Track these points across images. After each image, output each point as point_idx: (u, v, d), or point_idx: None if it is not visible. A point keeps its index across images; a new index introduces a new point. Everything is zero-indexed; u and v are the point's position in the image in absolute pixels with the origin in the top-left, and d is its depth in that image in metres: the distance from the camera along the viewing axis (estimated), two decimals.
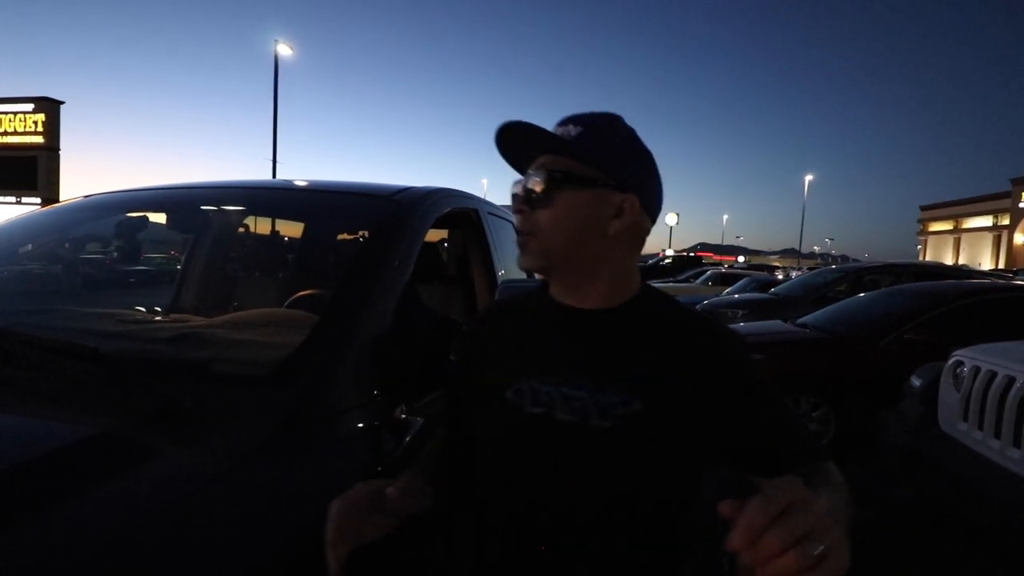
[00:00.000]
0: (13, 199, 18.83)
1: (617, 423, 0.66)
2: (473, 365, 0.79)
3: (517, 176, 0.78)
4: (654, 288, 0.77)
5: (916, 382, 3.09)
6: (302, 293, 1.48)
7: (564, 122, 0.73)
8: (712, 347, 0.70)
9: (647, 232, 0.76)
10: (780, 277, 13.42)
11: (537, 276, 0.77)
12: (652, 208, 0.74)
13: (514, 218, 0.74)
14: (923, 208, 49.31)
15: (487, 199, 2.30)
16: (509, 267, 2.27)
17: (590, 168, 0.70)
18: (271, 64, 17.52)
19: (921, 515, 2.85)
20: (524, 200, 0.73)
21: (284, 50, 18.08)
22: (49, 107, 18.95)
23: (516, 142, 0.74)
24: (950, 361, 2.80)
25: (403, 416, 1.01)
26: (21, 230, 1.60)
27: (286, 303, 1.46)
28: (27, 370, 0.87)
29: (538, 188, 0.71)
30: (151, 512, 0.63)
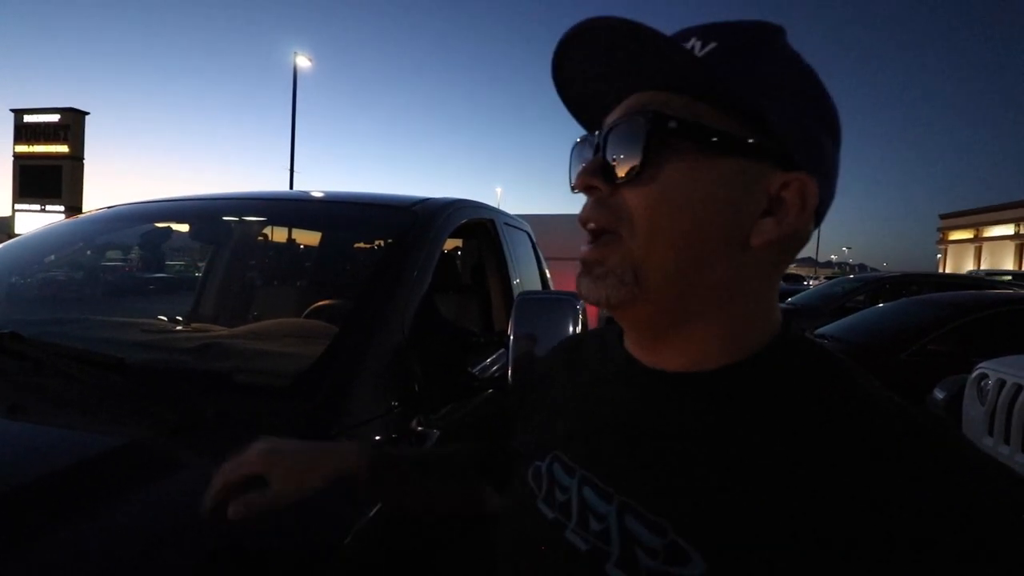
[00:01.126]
0: (38, 207, 19.33)
1: (625, 563, 0.37)
2: (517, 420, 0.58)
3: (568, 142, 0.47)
4: (808, 342, 0.42)
5: (939, 395, 3.03)
6: (321, 303, 1.50)
7: (682, 36, 0.42)
8: (909, 487, 0.32)
9: (805, 243, 0.43)
10: (808, 284, 13.02)
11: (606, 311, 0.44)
12: (828, 200, 0.43)
13: (583, 206, 0.43)
14: (943, 216, 48.48)
15: (501, 208, 2.31)
16: (524, 277, 2.28)
17: (734, 119, 0.39)
18: (290, 75, 17.85)
19: None
20: (599, 169, 0.42)
21: (303, 62, 18.42)
22: (74, 117, 19.47)
23: (595, 66, 0.42)
24: (974, 374, 2.74)
25: (419, 428, 1.01)
26: (49, 240, 1.64)
27: (305, 313, 1.47)
28: (56, 379, 0.88)
29: (631, 148, 0.40)
30: (176, 522, 0.64)
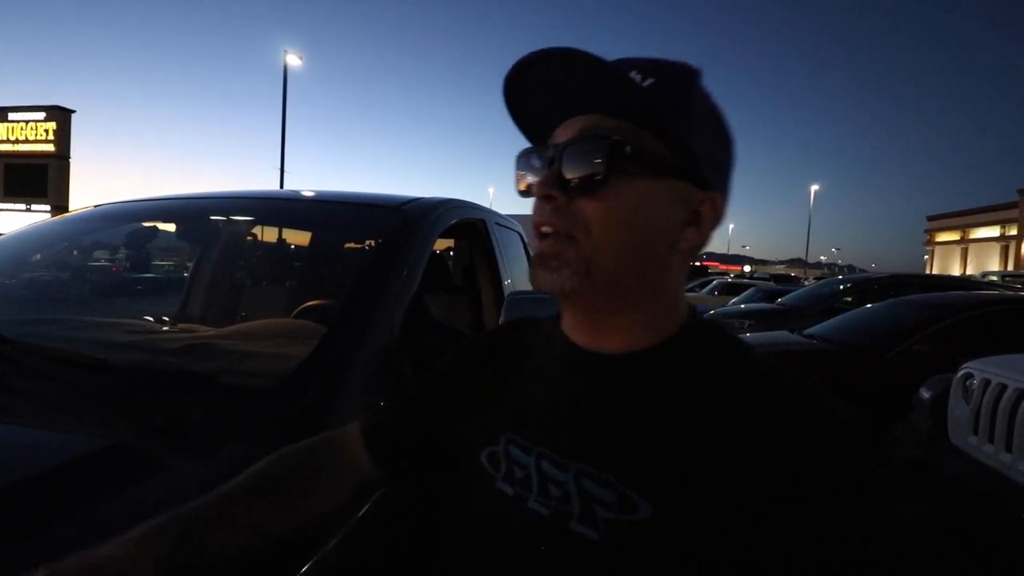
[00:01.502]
0: (23, 206, 19.06)
1: (608, 535, 0.43)
2: (454, 399, 0.59)
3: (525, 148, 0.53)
4: (711, 323, 0.52)
5: (925, 394, 3.06)
6: (309, 303, 1.49)
7: (626, 66, 0.48)
8: (796, 434, 0.41)
9: (706, 247, 0.53)
10: (805, 284, 12.97)
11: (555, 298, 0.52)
12: (722, 218, 0.52)
13: (533, 209, 0.50)
14: (930, 218, 49.10)
15: (493, 209, 2.31)
16: (516, 277, 2.28)
17: (669, 146, 0.47)
18: (280, 73, 17.73)
19: (931, 530, 2.82)
20: (556, 182, 0.47)
21: (293, 60, 18.31)
22: (60, 116, 19.22)
23: (547, 87, 0.47)
24: (959, 373, 2.77)
25: None
26: (33, 239, 1.62)
27: (293, 313, 1.46)
28: (37, 380, 0.87)
29: (591, 166, 0.46)
30: None
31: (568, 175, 0.47)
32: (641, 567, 0.42)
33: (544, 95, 0.49)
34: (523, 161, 0.53)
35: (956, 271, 39.61)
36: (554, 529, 0.46)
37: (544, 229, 0.49)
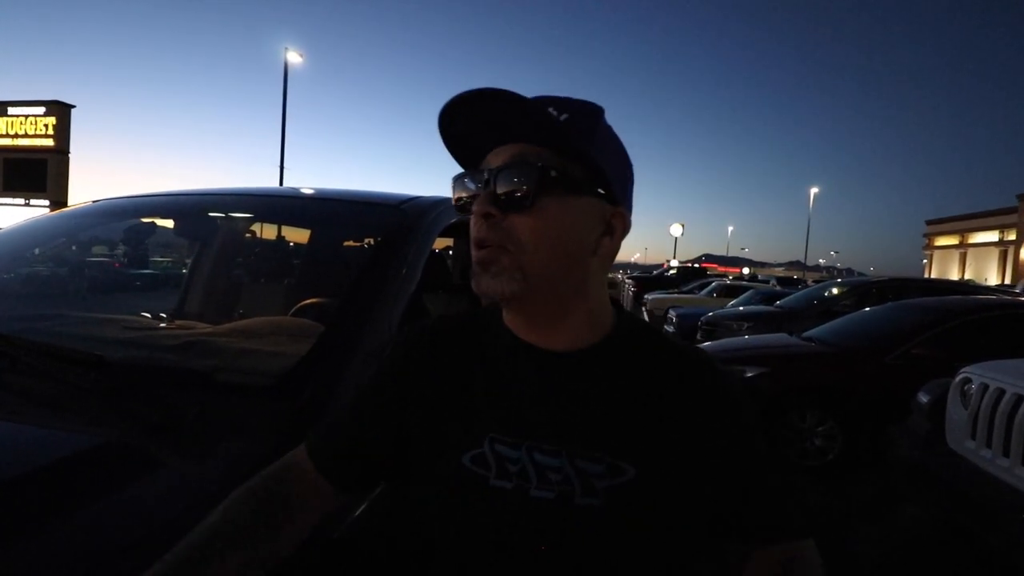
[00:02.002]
0: (22, 201, 19.02)
1: (608, 499, 0.53)
2: (404, 406, 0.61)
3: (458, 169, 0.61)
4: (633, 319, 0.64)
5: (923, 398, 3.06)
6: (308, 301, 1.48)
7: (545, 102, 0.57)
8: (710, 394, 0.59)
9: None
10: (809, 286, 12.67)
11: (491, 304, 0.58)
12: (629, 228, 0.62)
13: (471, 225, 0.57)
14: (929, 222, 49.17)
15: None
16: None
17: (584, 169, 0.56)
18: (281, 71, 17.72)
19: (928, 533, 2.82)
20: (492, 201, 0.55)
21: (294, 57, 18.29)
22: (60, 110, 19.18)
23: (479, 120, 0.56)
24: (958, 378, 2.77)
25: None
26: (31, 234, 1.61)
27: (292, 311, 1.46)
28: (32, 377, 0.86)
29: (522, 187, 0.54)
30: (152, 523, 0.63)
31: (502, 195, 0.55)
32: (637, 516, 0.53)
33: (477, 126, 0.57)
34: (459, 182, 0.61)
35: (955, 275, 39.69)
36: (562, 508, 0.53)
37: (483, 243, 0.56)
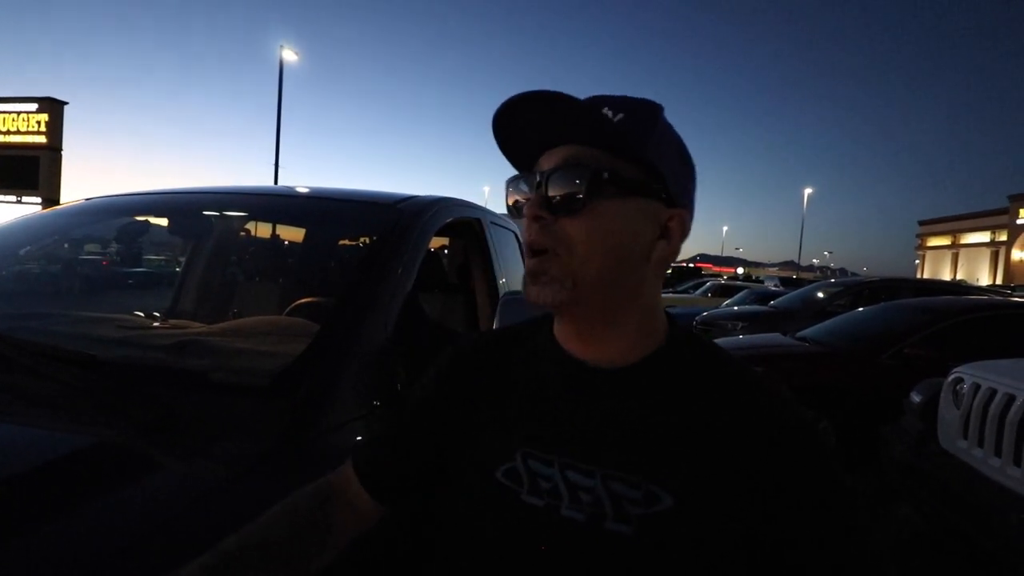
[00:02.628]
0: (14, 198, 18.85)
1: (640, 528, 0.49)
2: (446, 420, 0.60)
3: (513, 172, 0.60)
4: (688, 333, 0.58)
5: (916, 398, 3.08)
6: (303, 300, 1.47)
7: (600, 102, 0.55)
8: (769, 425, 0.51)
9: (675, 259, 0.59)
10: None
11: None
12: (689, 232, 0.58)
13: (521, 228, 0.56)
14: (922, 223, 49.48)
15: (488, 207, 2.30)
16: (511, 276, 2.27)
17: (639, 170, 0.54)
18: (276, 69, 17.62)
19: (921, 533, 2.83)
20: (545, 204, 0.54)
21: (289, 55, 18.19)
22: (52, 107, 19.01)
23: (532, 123, 0.54)
24: (950, 378, 2.79)
25: None
26: (22, 232, 1.60)
27: (286, 310, 1.45)
28: (24, 376, 0.86)
29: (574, 190, 0.52)
30: (146, 525, 0.62)
31: (553, 197, 0.54)
32: (671, 550, 0.49)
33: (529, 129, 0.56)
34: (512, 184, 0.59)
35: (947, 276, 39.97)
36: (591, 532, 0.50)
37: (534, 247, 0.55)
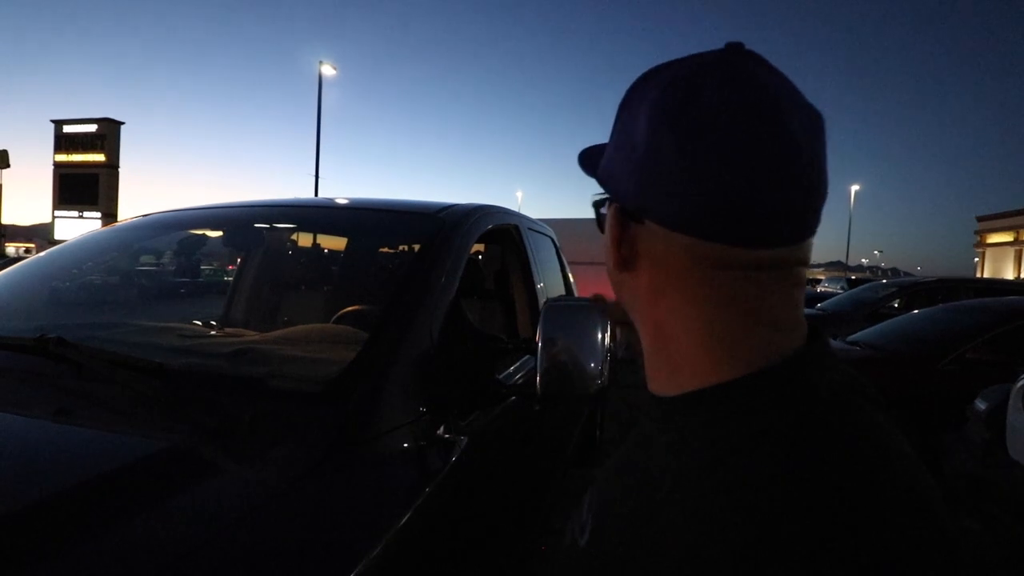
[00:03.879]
0: (76, 213, 20.07)
1: (567, 555, 0.47)
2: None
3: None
4: (798, 376, 0.38)
5: (981, 405, 2.91)
6: (349, 308, 1.51)
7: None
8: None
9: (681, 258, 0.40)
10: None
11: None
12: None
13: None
14: (980, 219, 46.78)
15: (523, 213, 2.31)
16: (548, 282, 2.27)
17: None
18: (315, 84, 18.21)
19: (989, 548, 2.67)
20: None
21: (328, 70, 18.77)
22: (110, 127, 20.20)
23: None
24: (1020, 383, 2.62)
25: (446, 435, 1.01)
26: (91, 247, 1.70)
27: (333, 318, 1.49)
28: (100, 383, 0.91)
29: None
30: (212, 526, 0.65)
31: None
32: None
33: None
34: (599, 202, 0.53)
35: (1010, 275, 37.59)
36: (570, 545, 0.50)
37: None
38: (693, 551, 0.31)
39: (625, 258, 0.43)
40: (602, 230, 0.47)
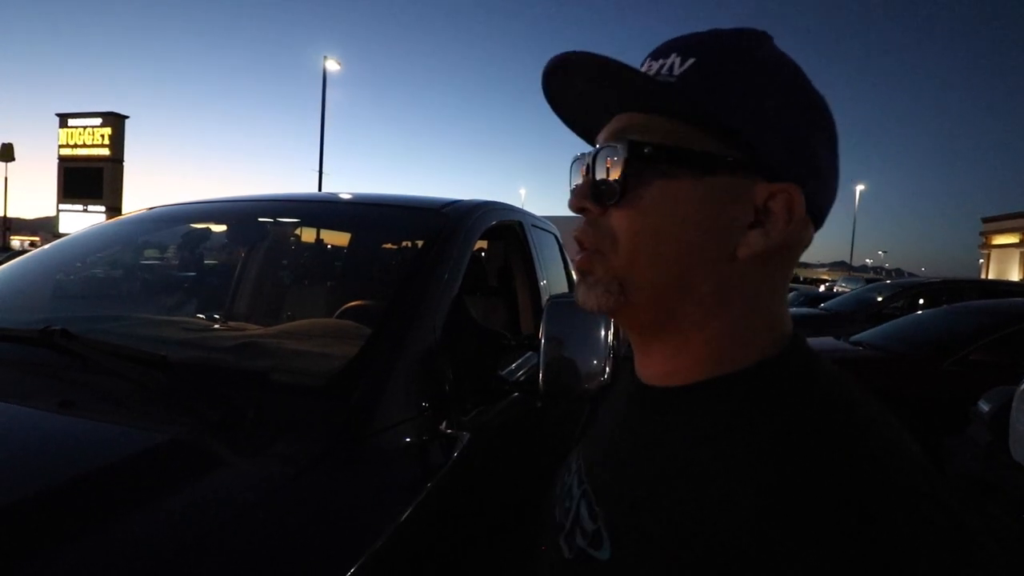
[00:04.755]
0: (80, 207, 20.14)
1: (575, 559, 0.43)
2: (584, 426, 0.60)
3: (582, 149, 0.48)
4: (808, 357, 0.41)
5: (984, 407, 2.90)
6: (352, 303, 1.52)
7: (664, 50, 0.43)
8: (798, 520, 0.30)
9: (805, 248, 0.43)
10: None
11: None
12: (823, 206, 0.43)
13: (574, 222, 0.45)
14: (986, 220, 46.53)
15: (526, 209, 2.31)
16: (552, 279, 2.26)
17: (712, 135, 0.40)
18: (320, 79, 18.22)
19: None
20: (592, 192, 0.43)
21: (332, 66, 18.78)
22: (115, 121, 20.24)
23: (576, 91, 0.44)
24: (1023, 386, 2.61)
25: (449, 431, 1.01)
26: (95, 240, 1.70)
27: (336, 313, 1.49)
28: (103, 376, 0.91)
29: (613, 173, 0.41)
30: (216, 518, 0.65)
31: (598, 183, 0.43)
32: None
33: (578, 101, 0.46)
34: (575, 167, 0.47)
35: (1015, 276, 37.41)
36: (555, 549, 0.47)
37: (580, 245, 0.45)
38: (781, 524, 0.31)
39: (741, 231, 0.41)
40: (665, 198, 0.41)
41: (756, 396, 0.38)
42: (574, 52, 0.41)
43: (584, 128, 0.49)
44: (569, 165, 0.48)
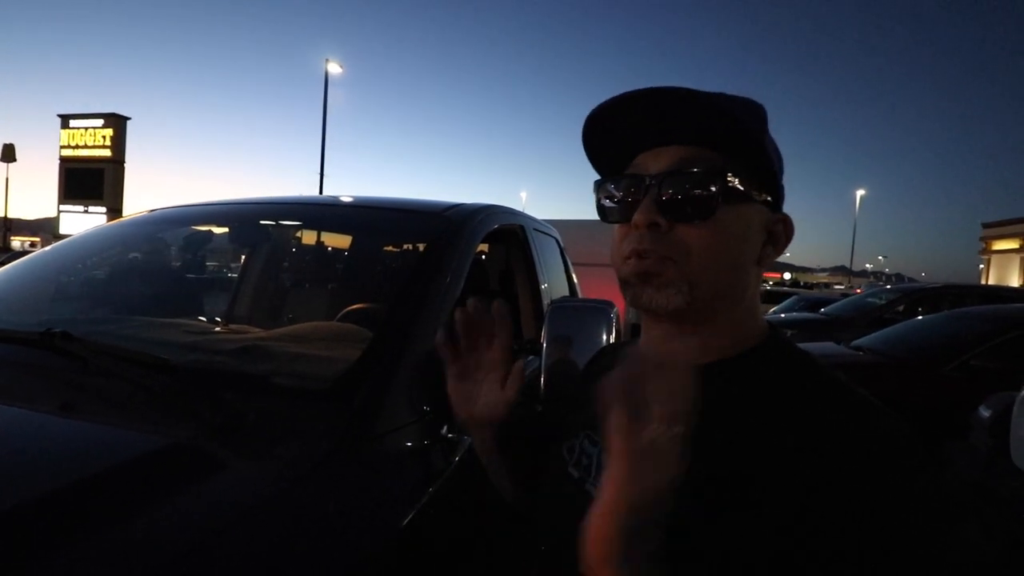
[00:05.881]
0: (81, 208, 20.13)
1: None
2: (559, 411, 0.70)
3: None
4: (784, 340, 0.56)
5: (985, 413, 2.90)
6: (354, 306, 1.52)
7: (713, 100, 0.53)
8: (850, 460, 0.43)
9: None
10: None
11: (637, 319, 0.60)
12: (793, 234, 0.59)
13: (621, 234, 0.54)
14: (986, 225, 46.54)
15: (529, 214, 2.31)
16: (553, 283, 2.26)
17: (755, 173, 0.53)
18: (322, 81, 18.26)
19: (990, 556, 2.66)
20: (660, 209, 0.51)
21: (334, 68, 18.82)
22: (116, 123, 20.24)
23: (637, 121, 0.53)
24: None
25: (450, 435, 1.01)
26: (96, 242, 1.70)
27: (338, 316, 1.49)
28: (105, 378, 0.91)
29: (700, 195, 0.51)
30: (216, 521, 0.65)
31: (671, 203, 0.52)
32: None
33: (634, 128, 0.54)
34: (607, 188, 0.57)
35: (1015, 282, 37.40)
36: (580, 489, 0.56)
37: (648, 254, 0.52)
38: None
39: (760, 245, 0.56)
40: (707, 213, 0.51)
41: (790, 362, 0.53)
42: (652, 88, 0.50)
43: (610, 157, 0.58)
44: (597, 184, 0.58)
